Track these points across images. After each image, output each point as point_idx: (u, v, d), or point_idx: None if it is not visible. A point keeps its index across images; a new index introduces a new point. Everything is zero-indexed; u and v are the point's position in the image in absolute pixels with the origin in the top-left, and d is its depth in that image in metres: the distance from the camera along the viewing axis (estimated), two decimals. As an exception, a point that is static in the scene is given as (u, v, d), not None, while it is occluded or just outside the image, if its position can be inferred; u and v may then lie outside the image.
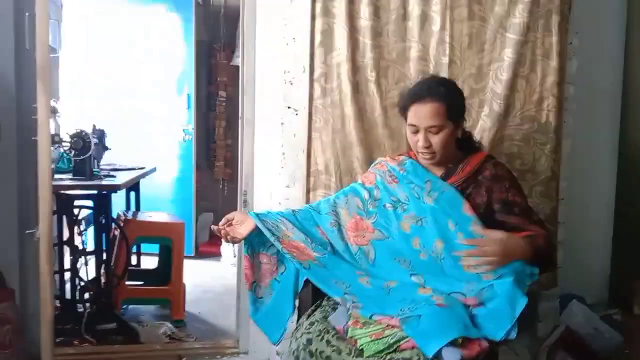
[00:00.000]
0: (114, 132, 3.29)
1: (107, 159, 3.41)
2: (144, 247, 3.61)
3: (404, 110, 1.76)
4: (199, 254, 4.56)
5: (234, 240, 1.77)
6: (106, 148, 3.05)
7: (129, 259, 2.84)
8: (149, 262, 3.64)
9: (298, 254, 1.66)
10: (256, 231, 1.71)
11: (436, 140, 1.68)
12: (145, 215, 3.22)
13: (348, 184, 2.18)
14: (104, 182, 2.79)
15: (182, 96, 4.37)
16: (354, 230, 1.76)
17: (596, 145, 2.85)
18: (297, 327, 1.67)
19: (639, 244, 2.73)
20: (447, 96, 1.69)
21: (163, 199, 4.34)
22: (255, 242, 1.76)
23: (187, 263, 4.31)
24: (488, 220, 1.66)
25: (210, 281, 3.91)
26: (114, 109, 4.21)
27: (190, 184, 4.41)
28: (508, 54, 2.20)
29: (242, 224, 1.72)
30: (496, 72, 2.22)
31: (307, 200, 2.20)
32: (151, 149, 4.21)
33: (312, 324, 1.59)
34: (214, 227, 1.77)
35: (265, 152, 2.44)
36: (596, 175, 2.86)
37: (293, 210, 1.82)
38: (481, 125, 2.24)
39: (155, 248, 3.48)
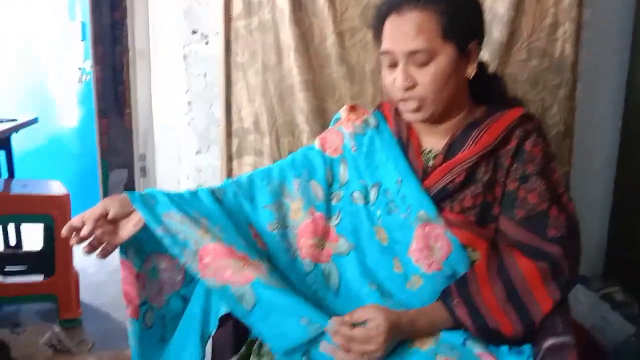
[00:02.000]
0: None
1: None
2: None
3: (377, 30, 1.08)
4: (111, 220, 3.79)
5: (105, 253, 1.03)
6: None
7: (-13, 248, 2.07)
8: (35, 241, 2.84)
9: (231, 275, 0.96)
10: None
11: (424, 76, 1.02)
12: (17, 186, 2.42)
13: (289, 149, 1.50)
14: None
15: (74, 24, 3.44)
16: (310, 235, 1.10)
17: (601, 95, 2.24)
18: None
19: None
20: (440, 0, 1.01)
21: (55, 157, 3.51)
22: (143, 238, 1.05)
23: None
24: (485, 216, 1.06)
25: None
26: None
27: (92, 135, 3.56)
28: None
29: (123, 222, 1.01)
30: (497, -17, 1.56)
31: (229, 174, 1.50)
32: (35, 93, 3.34)
33: None
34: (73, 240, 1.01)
35: (169, 99, 1.69)
36: (596, 130, 2.27)
37: (211, 191, 1.11)
38: (475, 60, 1.59)
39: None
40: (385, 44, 1.04)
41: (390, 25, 1.04)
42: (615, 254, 2.30)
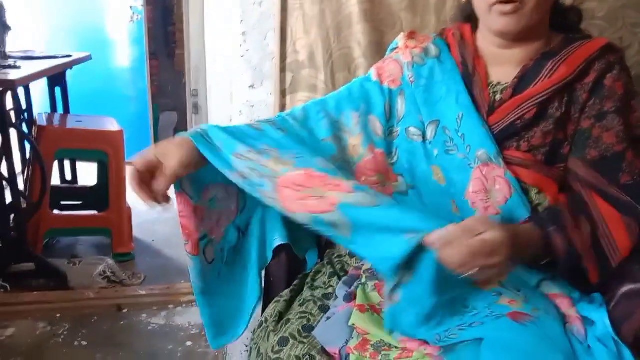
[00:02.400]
0: (33, 8, 2.45)
1: (25, 44, 2.58)
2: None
3: None
4: (160, 162, 3.84)
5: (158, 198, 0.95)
6: (7, 27, 2.20)
7: (45, 181, 2.12)
8: (90, 176, 2.91)
9: (316, 204, 0.86)
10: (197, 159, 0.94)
11: None
12: (72, 121, 2.45)
13: (343, 84, 1.44)
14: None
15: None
16: (371, 172, 1.04)
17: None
18: (254, 334, 1.01)
19: None
20: None
21: (108, 96, 3.53)
22: (201, 172, 0.98)
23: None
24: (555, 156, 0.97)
25: (172, 196, 3.22)
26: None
27: (143, 76, 3.56)
28: None
29: (166, 158, 0.93)
30: None
31: (282, 110, 1.45)
32: (89, 31, 3.34)
33: (283, 340, 0.92)
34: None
35: (222, 31, 1.64)
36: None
37: (271, 122, 1.04)
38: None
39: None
40: None
41: None
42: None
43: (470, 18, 1.06)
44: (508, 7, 0.93)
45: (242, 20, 1.45)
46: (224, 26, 1.61)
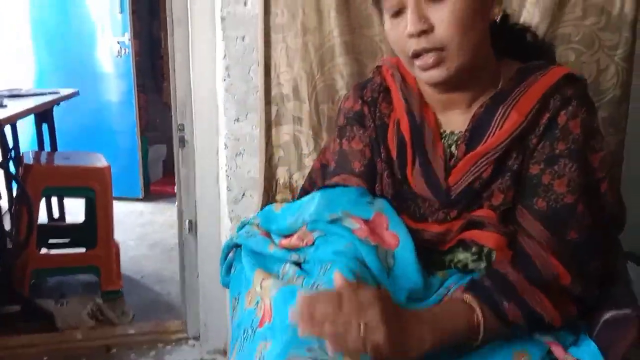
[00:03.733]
0: (19, 45, 2.46)
1: (12, 82, 2.58)
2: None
3: None
4: (150, 195, 3.83)
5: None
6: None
7: (31, 220, 2.09)
8: (78, 213, 2.89)
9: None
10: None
11: (441, 13, 0.79)
12: (59, 158, 2.44)
13: (328, 116, 1.45)
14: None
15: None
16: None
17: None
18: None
19: None
20: None
21: (97, 130, 3.53)
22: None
23: (132, 208, 3.59)
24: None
25: (159, 231, 3.21)
26: (16, 17, 3.29)
27: (131, 110, 3.57)
28: None
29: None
30: None
31: (268, 142, 1.45)
32: (76, 66, 3.35)
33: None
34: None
35: (207, 65, 1.65)
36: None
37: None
38: (525, 19, 1.49)
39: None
40: None
41: None
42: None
43: None
44: (427, 60, 0.81)
45: (225, 55, 1.46)
46: (208, 60, 1.62)
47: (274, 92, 1.47)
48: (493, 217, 0.85)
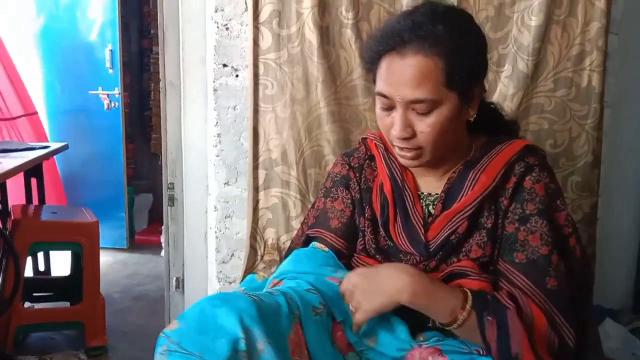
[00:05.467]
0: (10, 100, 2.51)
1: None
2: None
3: (371, 64, 0.97)
4: (135, 245, 3.82)
5: None
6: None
7: (18, 276, 2.09)
8: (63, 265, 2.88)
9: None
10: None
11: (424, 125, 0.92)
12: (47, 212, 2.46)
13: (315, 181, 1.51)
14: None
15: (104, 53, 3.51)
16: None
17: (628, 123, 2.16)
18: None
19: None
20: (447, 43, 0.89)
21: (85, 180, 3.55)
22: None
23: (117, 258, 3.55)
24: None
25: (144, 282, 3.19)
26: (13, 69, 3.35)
27: (119, 159, 3.61)
28: (541, -11, 1.52)
29: None
30: (522, 14, 1.56)
31: (256, 205, 1.51)
32: (65, 120, 3.40)
33: None
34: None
35: (199, 131, 1.71)
36: (624, 160, 2.19)
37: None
38: (500, 90, 1.60)
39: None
40: (384, 87, 0.93)
41: (390, 66, 0.92)
42: (646, 285, 2.23)
43: None
44: (405, 153, 0.95)
45: (217, 123, 1.52)
46: (200, 123, 1.69)
47: (263, 157, 1.53)
48: (475, 267, 0.95)
